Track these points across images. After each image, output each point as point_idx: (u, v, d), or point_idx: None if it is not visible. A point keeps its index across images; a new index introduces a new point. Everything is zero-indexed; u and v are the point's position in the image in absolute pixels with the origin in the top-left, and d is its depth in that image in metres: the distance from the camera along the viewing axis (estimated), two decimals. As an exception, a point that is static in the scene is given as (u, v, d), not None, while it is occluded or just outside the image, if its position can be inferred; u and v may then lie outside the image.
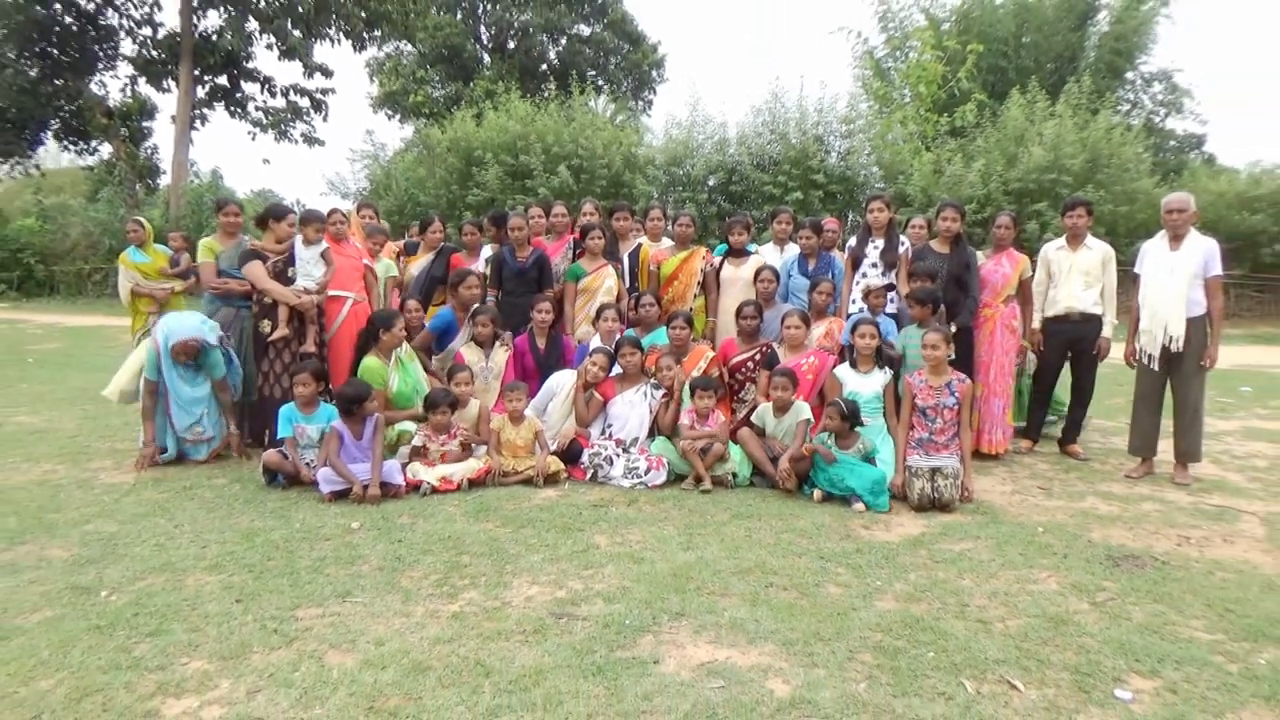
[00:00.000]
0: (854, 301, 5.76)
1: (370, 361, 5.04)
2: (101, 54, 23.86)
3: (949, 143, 18.37)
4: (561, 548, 3.63)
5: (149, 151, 26.23)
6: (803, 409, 4.87)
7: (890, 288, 5.56)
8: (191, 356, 5.02)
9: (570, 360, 5.55)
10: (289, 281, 5.22)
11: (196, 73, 23.79)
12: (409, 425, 4.98)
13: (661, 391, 5.18)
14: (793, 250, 6.25)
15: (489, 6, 28.82)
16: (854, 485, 4.35)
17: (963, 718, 2.28)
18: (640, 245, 6.18)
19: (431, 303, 5.98)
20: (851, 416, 4.55)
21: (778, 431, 4.88)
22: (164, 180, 25.09)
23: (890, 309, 5.68)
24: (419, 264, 6.19)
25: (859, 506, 4.29)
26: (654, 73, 30.29)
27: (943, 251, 5.54)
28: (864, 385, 4.92)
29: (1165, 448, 5.21)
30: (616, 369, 5.29)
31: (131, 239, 6.99)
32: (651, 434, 5.16)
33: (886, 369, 5.02)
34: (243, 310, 5.49)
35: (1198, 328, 4.96)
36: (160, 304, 6.72)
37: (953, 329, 5.24)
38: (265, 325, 5.20)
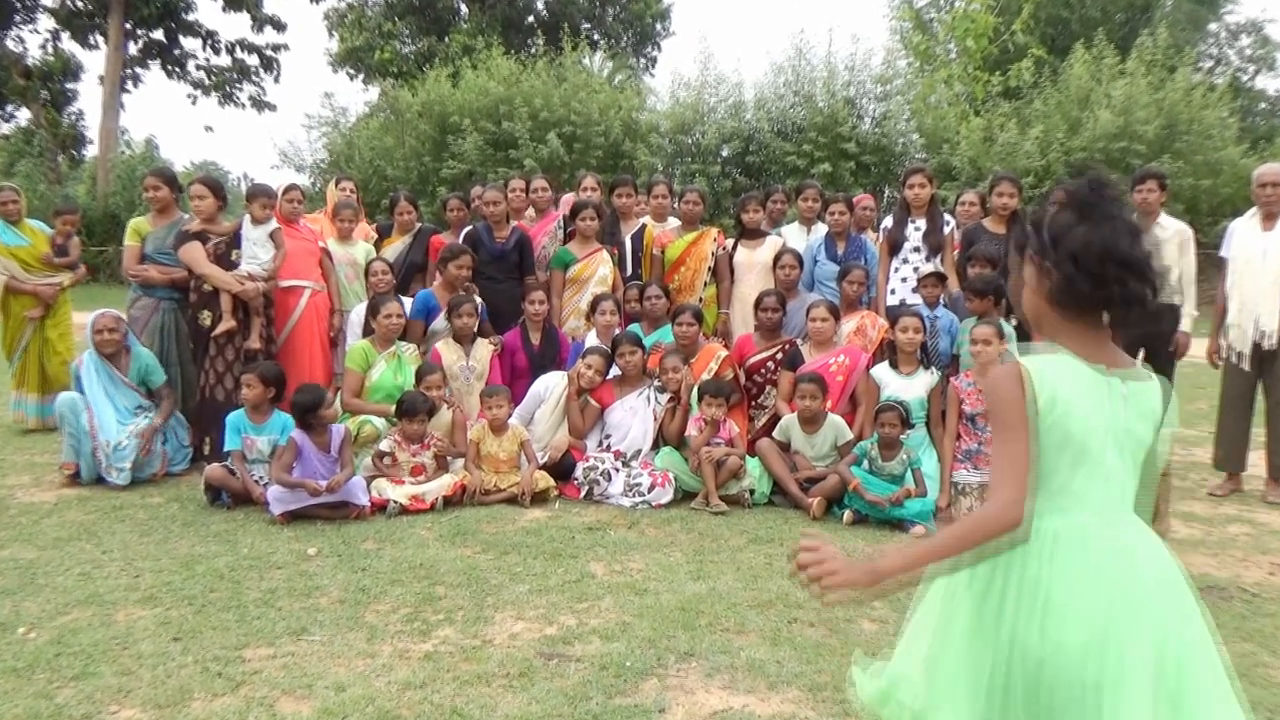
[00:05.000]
0: (892, 292, 5.75)
1: (360, 343, 5.17)
2: (19, 4, 23.93)
3: (1001, 106, 18.37)
4: (551, 577, 3.62)
5: (73, 117, 26.35)
6: (841, 427, 4.86)
7: (939, 276, 5.53)
8: (115, 345, 5.02)
9: (567, 359, 5.55)
10: (232, 266, 5.22)
11: (128, 26, 23.85)
12: (376, 421, 4.99)
13: (667, 396, 5.18)
14: (819, 231, 6.24)
15: (467, -52, 28.85)
16: (902, 513, 4.39)
17: (1019, 775, 2.27)
18: (644, 226, 6.18)
19: (409, 292, 5.97)
20: (903, 421, 4.57)
21: (806, 448, 4.88)
22: (90, 150, 25.18)
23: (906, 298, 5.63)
24: (394, 248, 6.19)
25: (919, 530, 4.33)
26: (658, 25, 30.28)
27: (998, 232, 5.53)
28: (906, 389, 4.91)
29: (1256, 460, 5.19)
30: (615, 371, 5.29)
31: (1, 212, 6.24)
32: (656, 445, 5.16)
33: (933, 370, 5.02)
34: (164, 303, 5.45)
35: (1294, 321, 4.96)
36: (46, 305, 6.29)
37: (1014, 323, 5.23)
38: (205, 317, 5.20)
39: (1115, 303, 1.49)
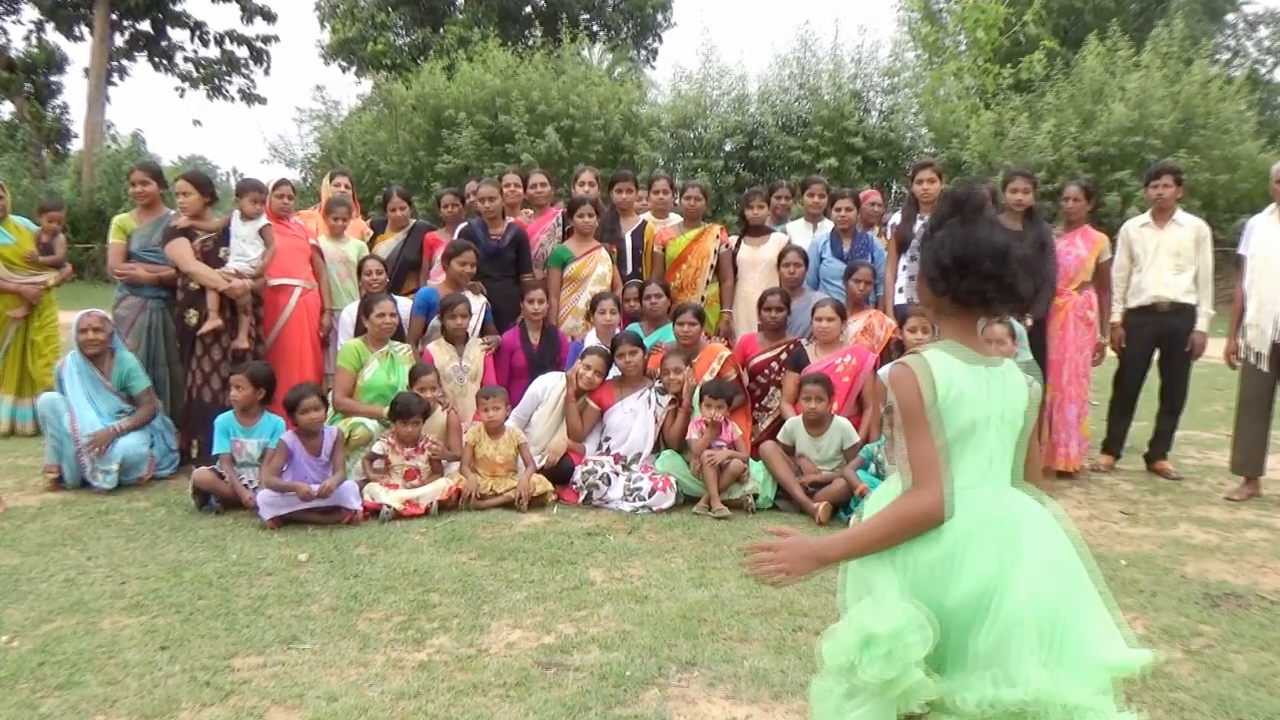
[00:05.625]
0: (900, 290, 5.75)
1: (352, 342, 5.18)
2: (1, -5, 23.98)
3: (1012, 99, 18.37)
4: (549, 584, 3.62)
5: (58, 111, 26.35)
6: (847, 430, 4.86)
7: None
8: (100, 346, 5.03)
9: (566, 359, 5.56)
10: (220, 263, 5.22)
11: (114, 17, 23.87)
12: (369, 423, 5.00)
13: (668, 398, 5.18)
14: (825, 228, 6.25)
15: (462, -63, 28.85)
16: None
17: (1030, 788, 2.27)
18: (645, 223, 6.18)
19: (403, 290, 5.98)
20: None
21: (811, 452, 4.88)
22: (76, 145, 25.19)
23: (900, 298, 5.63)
24: (387, 245, 6.19)
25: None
26: (659, 16, 30.28)
27: (1013, 228, 5.52)
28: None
29: (1275, 465, 5.19)
30: (615, 371, 5.29)
31: None
32: (657, 449, 5.16)
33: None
34: (151, 302, 5.46)
35: (1316, 320, 4.96)
36: (30, 304, 6.26)
37: (1029, 323, 5.23)
38: (191, 316, 5.20)
39: (976, 303, 1.76)
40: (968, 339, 1.81)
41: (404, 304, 5.59)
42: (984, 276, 1.73)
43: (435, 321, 5.51)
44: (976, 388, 1.75)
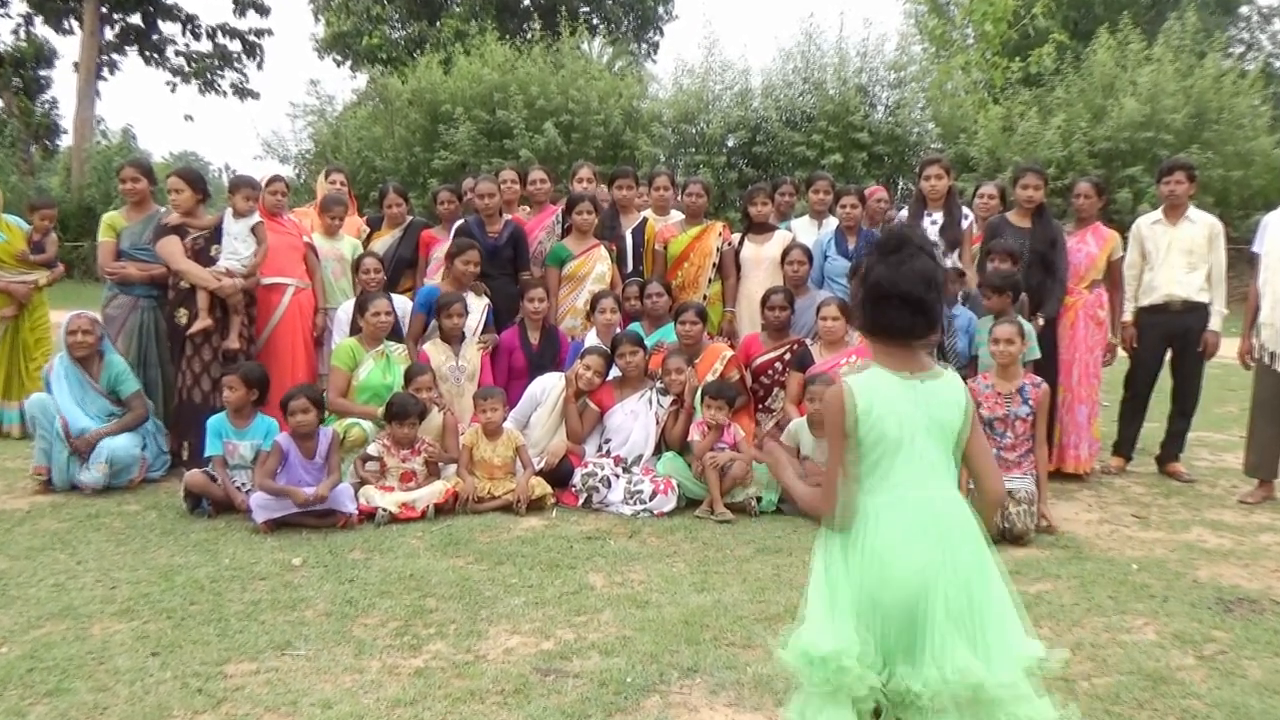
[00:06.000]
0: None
1: (347, 341, 5.18)
2: (-11, -12, 24.00)
3: (1021, 94, 18.36)
4: (548, 589, 3.62)
5: (47, 106, 26.36)
6: None
7: (957, 273, 5.54)
8: (89, 349, 5.03)
9: (566, 359, 5.56)
10: (212, 262, 5.22)
11: (104, 10, 23.89)
12: (364, 424, 5.00)
13: (669, 399, 5.18)
14: (830, 225, 6.25)
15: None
16: None
17: (1040, 798, 2.27)
18: (645, 220, 6.18)
19: (399, 288, 5.98)
20: None
21: (815, 453, 4.88)
22: (65, 141, 25.21)
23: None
24: (383, 242, 6.20)
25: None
26: (660, 9, 30.29)
27: (1022, 226, 5.54)
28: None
29: (1288, 467, 5.18)
30: (615, 372, 5.30)
31: None
32: (658, 451, 5.16)
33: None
34: (143, 301, 5.46)
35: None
36: (20, 303, 6.27)
37: (1040, 322, 5.22)
38: (182, 315, 5.20)
39: (897, 330, 1.99)
40: (898, 358, 2.01)
41: (400, 302, 5.59)
42: (909, 307, 1.95)
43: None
44: (905, 403, 1.97)
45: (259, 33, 26.54)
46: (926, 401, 1.98)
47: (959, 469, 2.05)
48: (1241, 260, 5.72)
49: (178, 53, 26.36)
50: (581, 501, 4.84)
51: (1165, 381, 5.81)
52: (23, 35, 25.33)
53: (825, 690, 1.89)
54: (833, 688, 1.89)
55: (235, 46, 26.59)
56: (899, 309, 1.95)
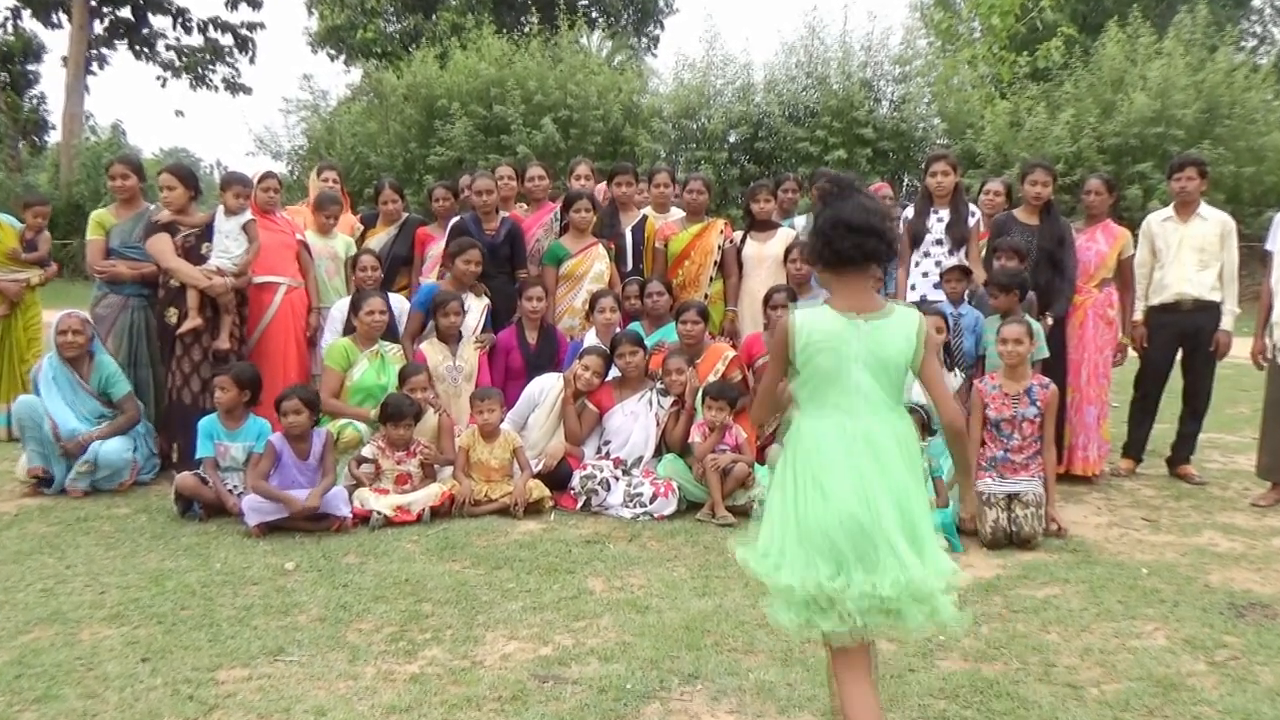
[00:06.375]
0: (912, 287, 5.75)
1: (340, 341, 5.18)
2: (-25, -19, 24.00)
3: (1029, 88, 18.34)
4: (546, 594, 3.62)
5: (35, 101, 26.36)
6: None
7: (963, 271, 5.53)
8: (79, 349, 5.03)
9: (565, 359, 5.56)
10: (203, 260, 5.22)
11: (93, 3, 23.90)
12: (358, 425, 5.00)
13: (670, 400, 5.19)
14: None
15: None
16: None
17: (1048, 806, 2.28)
18: (645, 218, 6.18)
19: (394, 286, 5.98)
20: (924, 427, 4.56)
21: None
22: (53, 137, 25.21)
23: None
24: (378, 240, 6.19)
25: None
26: (661, 2, 30.31)
27: (1030, 223, 5.53)
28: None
29: (1301, 469, 5.18)
30: (614, 372, 5.30)
31: None
32: (658, 453, 5.16)
33: (957, 370, 5.02)
34: (133, 300, 5.46)
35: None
36: (12, 302, 6.27)
37: (1049, 321, 5.22)
38: (172, 315, 5.20)
39: (851, 256, 2.23)
40: (851, 297, 2.27)
41: (396, 301, 5.59)
42: (860, 232, 2.20)
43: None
44: (844, 340, 2.22)
45: (251, 26, 26.53)
46: (869, 339, 2.23)
47: (907, 403, 2.35)
48: (1254, 258, 5.72)
49: (168, 47, 26.37)
50: (580, 504, 4.84)
51: (1176, 382, 5.82)
52: (10, 29, 25.33)
53: (787, 597, 2.21)
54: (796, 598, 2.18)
55: (227, 40, 26.60)
56: (851, 235, 2.20)
